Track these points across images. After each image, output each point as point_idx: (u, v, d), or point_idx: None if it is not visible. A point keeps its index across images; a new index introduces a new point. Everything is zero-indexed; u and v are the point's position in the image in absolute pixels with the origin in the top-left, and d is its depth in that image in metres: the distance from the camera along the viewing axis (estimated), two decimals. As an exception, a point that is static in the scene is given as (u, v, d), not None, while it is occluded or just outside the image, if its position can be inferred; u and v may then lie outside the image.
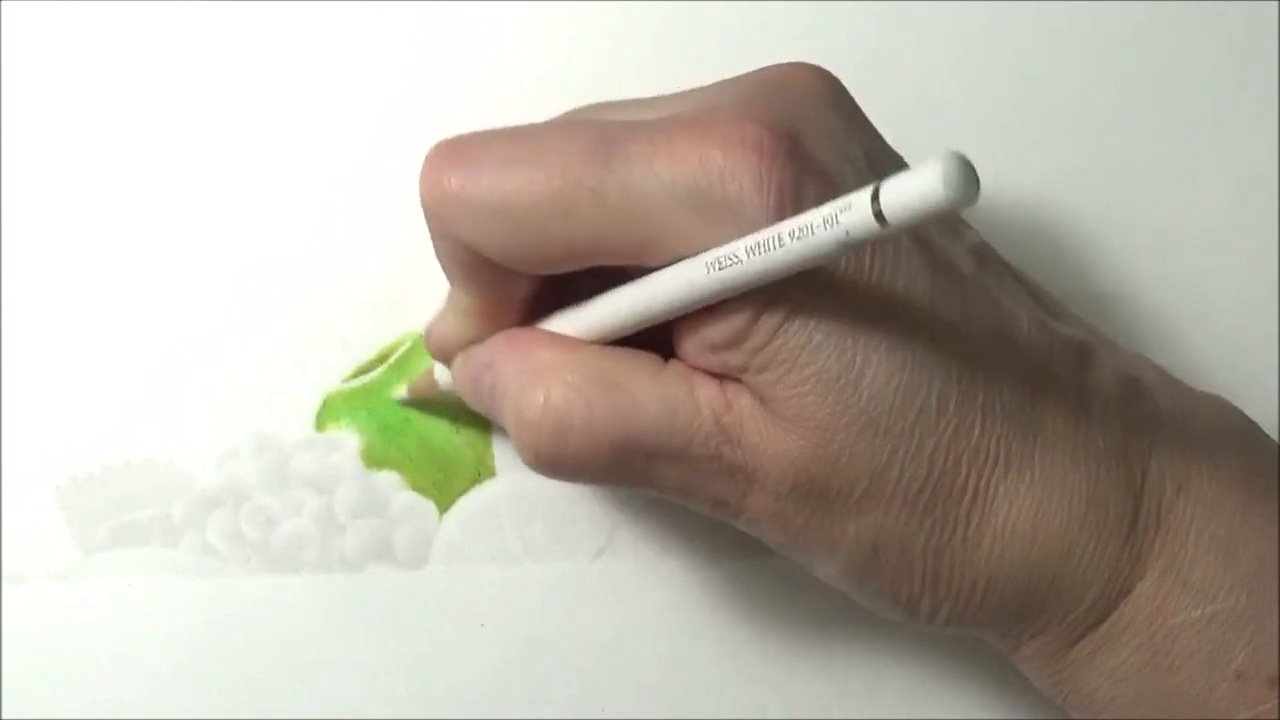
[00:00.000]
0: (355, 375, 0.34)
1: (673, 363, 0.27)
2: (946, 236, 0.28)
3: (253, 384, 0.33)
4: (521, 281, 0.28)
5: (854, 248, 0.23)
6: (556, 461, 0.27)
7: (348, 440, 0.34)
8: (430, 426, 0.34)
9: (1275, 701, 0.27)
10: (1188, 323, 0.35)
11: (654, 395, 0.27)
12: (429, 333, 0.31)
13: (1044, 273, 0.34)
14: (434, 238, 0.28)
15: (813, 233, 0.23)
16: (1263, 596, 0.27)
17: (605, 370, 0.27)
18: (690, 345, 0.27)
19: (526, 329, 0.29)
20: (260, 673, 0.34)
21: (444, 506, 0.34)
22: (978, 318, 0.27)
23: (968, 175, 0.21)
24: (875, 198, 0.22)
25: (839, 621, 0.34)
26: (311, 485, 0.34)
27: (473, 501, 0.34)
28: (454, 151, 0.27)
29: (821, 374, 0.25)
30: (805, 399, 0.26)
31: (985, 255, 0.29)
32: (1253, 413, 0.34)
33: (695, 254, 0.25)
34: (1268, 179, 0.35)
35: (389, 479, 0.34)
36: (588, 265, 0.27)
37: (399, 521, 0.34)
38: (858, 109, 0.28)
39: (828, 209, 0.22)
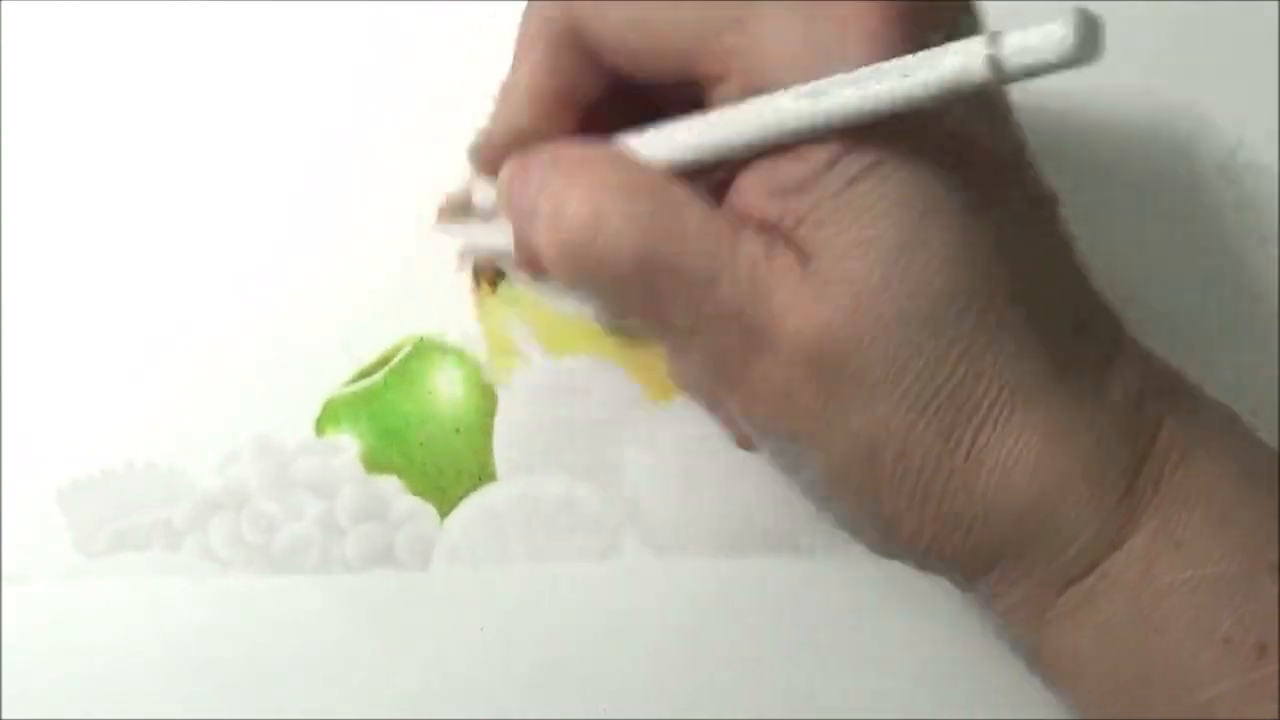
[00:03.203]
0: (356, 379, 0.34)
1: (726, 206, 0.27)
2: (1038, 173, 0.28)
3: (254, 388, 0.33)
4: (598, 81, 0.28)
5: (974, 85, 0.22)
6: (578, 257, 0.26)
7: (348, 444, 0.34)
8: (431, 430, 0.34)
9: (1263, 670, 0.26)
10: (1188, 323, 0.35)
11: (698, 223, 0.26)
12: (483, 133, 0.30)
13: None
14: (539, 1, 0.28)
15: (916, 73, 0.22)
16: (1254, 565, 0.27)
17: (658, 185, 0.26)
18: (753, 186, 0.26)
19: (591, 140, 0.28)
20: (261, 675, 0.34)
21: (445, 510, 0.34)
22: (1044, 248, 0.27)
23: (1090, 23, 0.21)
24: (994, 40, 0.21)
25: (842, 621, 0.34)
26: (312, 489, 0.34)
27: (474, 505, 0.34)
28: None
29: (879, 240, 0.25)
30: (854, 262, 0.25)
31: (1057, 207, 0.28)
32: (1252, 413, 0.34)
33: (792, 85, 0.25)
34: (1268, 179, 0.35)
35: (390, 483, 0.34)
36: (685, 78, 0.26)
37: (400, 525, 0.34)
38: None
39: (948, 46, 0.22)
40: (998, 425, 0.26)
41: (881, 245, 0.25)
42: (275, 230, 0.34)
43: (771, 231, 0.26)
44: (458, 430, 0.34)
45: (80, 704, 0.33)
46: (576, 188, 0.26)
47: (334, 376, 0.34)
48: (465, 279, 0.34)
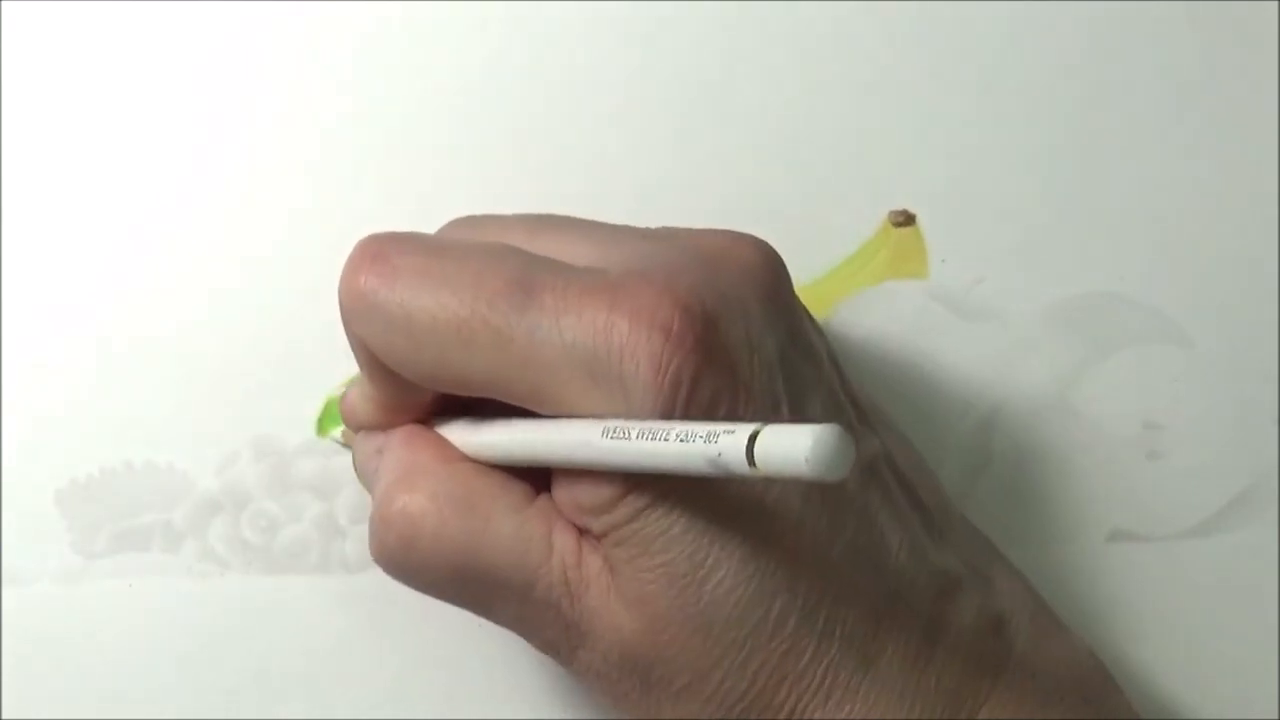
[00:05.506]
0: (356, 379, 0.34)
1: (543, 499, 0.27)
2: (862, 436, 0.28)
3: (254, 389, 0.33)
4: (424, 389, 0.28)
5: (727, 474, 0.22)
6: (398, 566, 0.27)
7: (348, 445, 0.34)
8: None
9: None
10: (1188, 323, 0.35)
11: (510, 529, 0.27)
12: (343, 399, 0.31)
13: (1044, 272, 0.34)
14: (345, 329, 0.28)
15: (694, 441, 0.22)
16: None
17: (471, 490, 0.27)
18: (560, 495, 0.27)
19: (424, 429, 0.29)
20: (260, 675, 0.34)
21: (445, 511, 0.34)
22: (843, 538, 0.26)
23: (836, 450, 0.20)
24: (753, 439, 0.21)
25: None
26: (312, 490, 0.34)
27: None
28: (377, 252, 0.27)
29: (670, 567, 0.25)
30: (649, 585, 0.26)
31: (877, 470, 0.28)
32: (1252, 413, 0.35)
33: (583, 416, 0.25)
34: (1268, 178, 0.35)
35: (390, 484, 0.34)
36: (479, 396, 0.27)
37: (400, 526, 0.34)
38: (788, 294, 0.28)
39: (713, 427, 0.22)
40: None
41: (673, 570, 0.25)
42: (275, 231, 0.34)
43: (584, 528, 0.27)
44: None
45: (80, 704, 0.33)
46: (397, 492, 0.27)
47: (334, 377, 0.34)
48: None
